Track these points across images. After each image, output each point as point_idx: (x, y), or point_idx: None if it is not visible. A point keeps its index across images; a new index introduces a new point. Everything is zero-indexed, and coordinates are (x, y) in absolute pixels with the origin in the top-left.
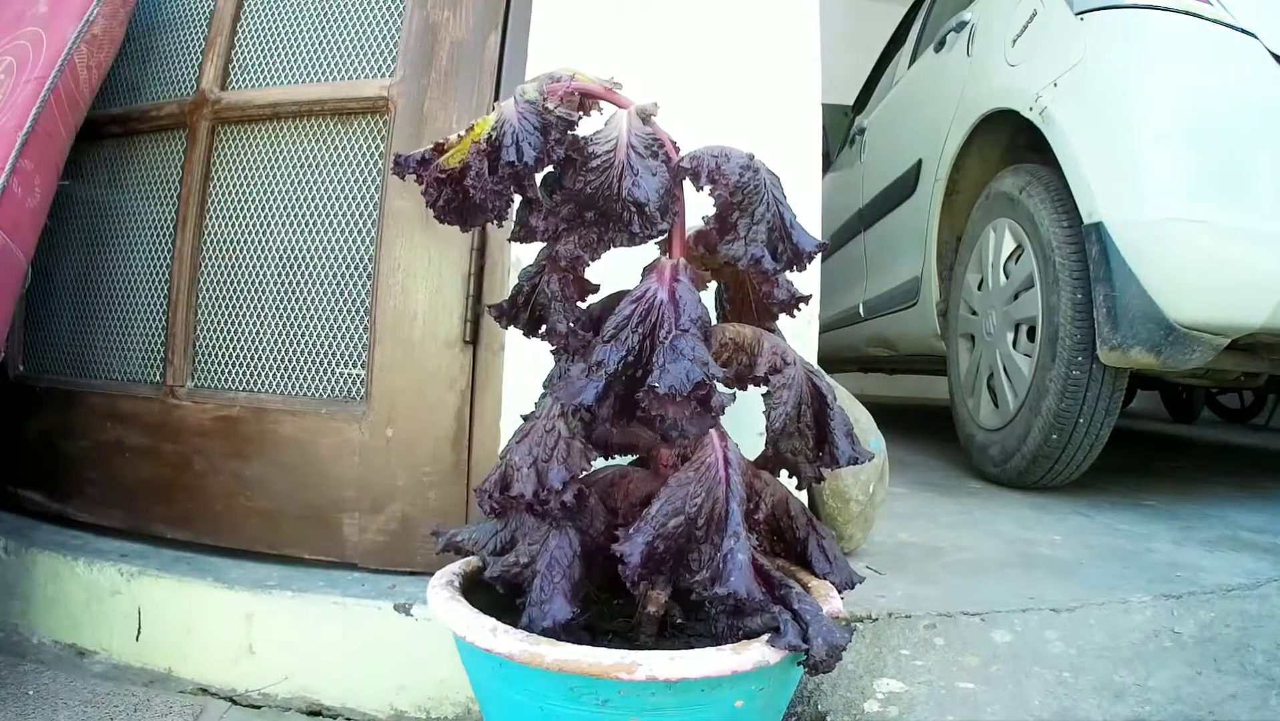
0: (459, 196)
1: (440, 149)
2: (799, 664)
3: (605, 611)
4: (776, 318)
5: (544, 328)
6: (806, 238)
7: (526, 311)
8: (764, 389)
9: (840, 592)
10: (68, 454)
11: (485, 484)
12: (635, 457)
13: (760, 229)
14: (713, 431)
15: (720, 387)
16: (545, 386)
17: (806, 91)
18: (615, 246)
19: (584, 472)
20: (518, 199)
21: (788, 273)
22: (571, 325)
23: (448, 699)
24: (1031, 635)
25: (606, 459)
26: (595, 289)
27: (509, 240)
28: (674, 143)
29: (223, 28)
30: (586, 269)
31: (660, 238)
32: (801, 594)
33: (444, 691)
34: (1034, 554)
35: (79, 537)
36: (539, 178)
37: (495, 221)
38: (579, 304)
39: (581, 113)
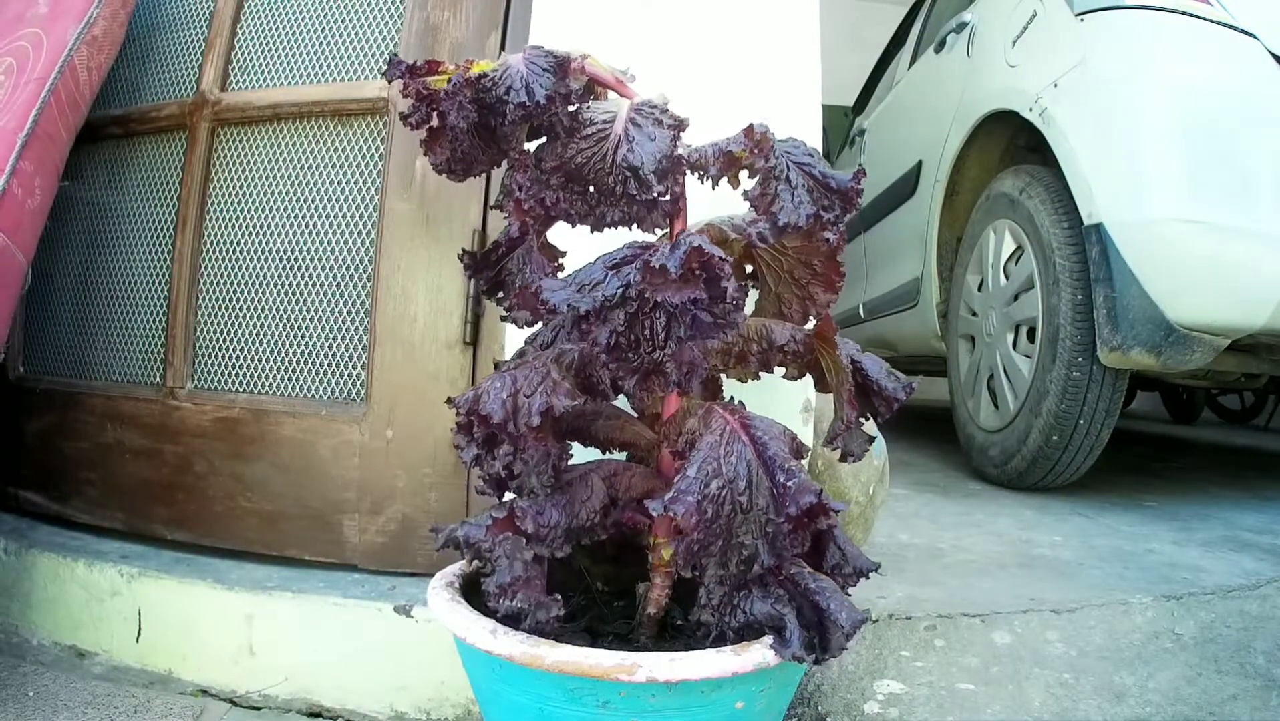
0: (431, 116)
1: (433, 67)
2: (809, 661)
3: (605, 613)
4: (827, 275)
5: (500, 294)
6: (842, 178)
7: (494, 271)
8: (780, 372)
9: (855, 582)
10: (68, 455)
11: (458, 400)
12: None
13: (801, 193)
14: (718, 408)
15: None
16: (527, 342)
17: (807, 93)
18: (607, 224)
19: (565, 410)
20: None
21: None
22: (537, 284)
23: (448, 700)
24: (1032, 636)
25: (604, 453)
26: (563, 254)
27: (491, 208)
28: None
29: (223, 29)
30: (553, 224)
31: (660, 229)
32: (813, 574)
33: (444, 692)
34: (1034, 555)
35: (79, 539)
36: (530, 147)
37: (459, 152)
38: (550, 267)
39: (590, 96)
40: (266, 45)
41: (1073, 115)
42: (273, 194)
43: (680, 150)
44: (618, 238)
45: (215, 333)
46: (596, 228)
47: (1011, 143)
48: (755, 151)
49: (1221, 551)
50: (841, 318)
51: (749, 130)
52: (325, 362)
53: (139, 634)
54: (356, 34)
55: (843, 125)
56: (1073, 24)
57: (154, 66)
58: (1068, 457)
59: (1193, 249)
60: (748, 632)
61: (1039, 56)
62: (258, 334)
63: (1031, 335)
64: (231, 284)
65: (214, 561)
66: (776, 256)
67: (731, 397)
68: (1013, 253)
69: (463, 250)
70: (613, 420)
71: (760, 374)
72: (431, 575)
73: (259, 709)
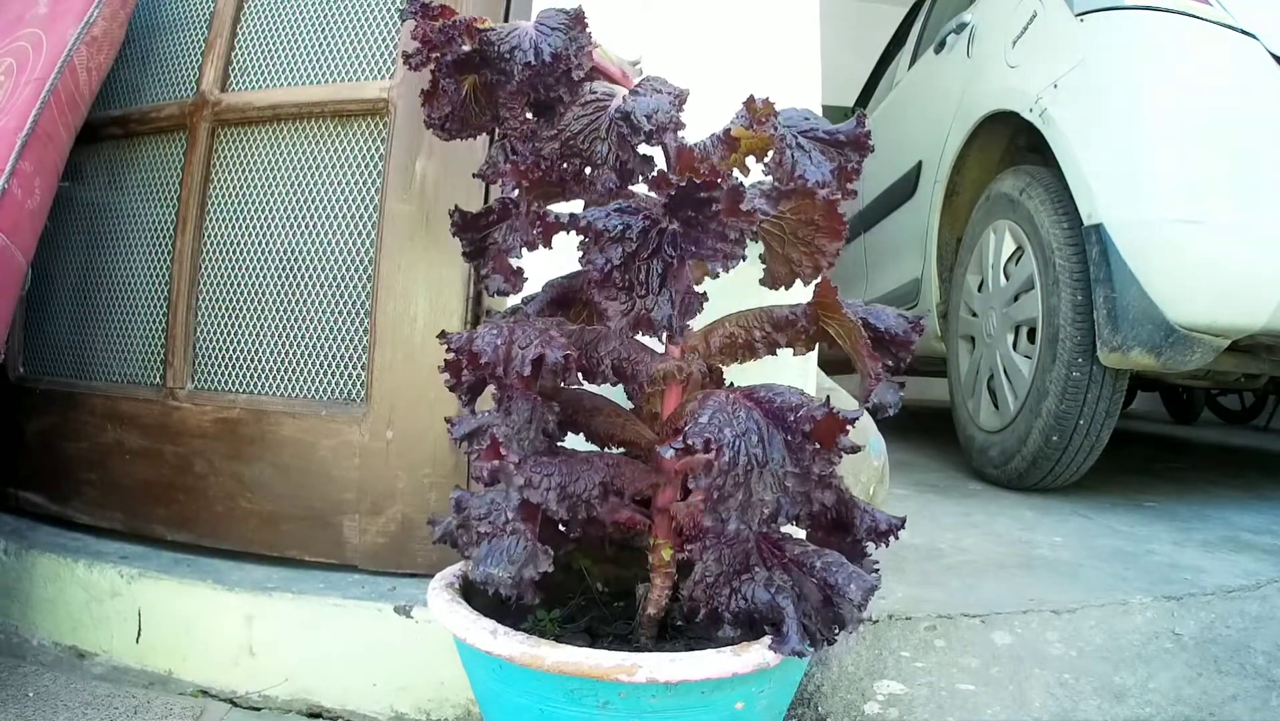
0: (432, 59)
1: (447, 13)
2: (824, 645)
3: (606, 614)
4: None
5: (480, 260)
6: (846, 128)
7: (480, 235)
8: (789, 353)
9: (887, 540)
10: (68, 455)
11: (451, 336)
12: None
13: (815, 153)
14: (718, 390)
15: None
16: (524, 301)
17: (808, 94)
18: (600, 186)
19: (558, 363)
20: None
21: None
22: (519, 247)
23: (448, 700)
24: (1032, 636)
25: (603, 449)
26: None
27: (473, 176)
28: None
29: (222, 29)
30: (549, 201)
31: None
32: (818, 550)
33: (444, 693)
34: (1034, 555)
35: (79, 539)
36: (531, 116)
37: (453, 106)
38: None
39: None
40: (266, 46)
41: (1073, 115)
42: (273, 194)
43: (680, 114)
44: None
45: (215, 333)
46: (590, 201)
47: (1011, 143)
48: (758, 123)
49: (1221, 551)
50: None
51: (749, 102)
52: (325, 363)
53: (139, 634)
54: (356, 34)
55: None
56: (1073, 24)
57: (154, 67)
58: (1068, 458)
59: (1192, 249)
60: (744, 619)
61: (1039, 57)
62: (258, 334)
63: (1031, 335)
64: (231, 284)
65: (214, 562)
66: (778, 223)
67: (731, 384)
68: (1013, 253)
69: (455, 206)
70: (614, 418)
71: (766, 357)
72: (431, 576)
73: (259, 709)
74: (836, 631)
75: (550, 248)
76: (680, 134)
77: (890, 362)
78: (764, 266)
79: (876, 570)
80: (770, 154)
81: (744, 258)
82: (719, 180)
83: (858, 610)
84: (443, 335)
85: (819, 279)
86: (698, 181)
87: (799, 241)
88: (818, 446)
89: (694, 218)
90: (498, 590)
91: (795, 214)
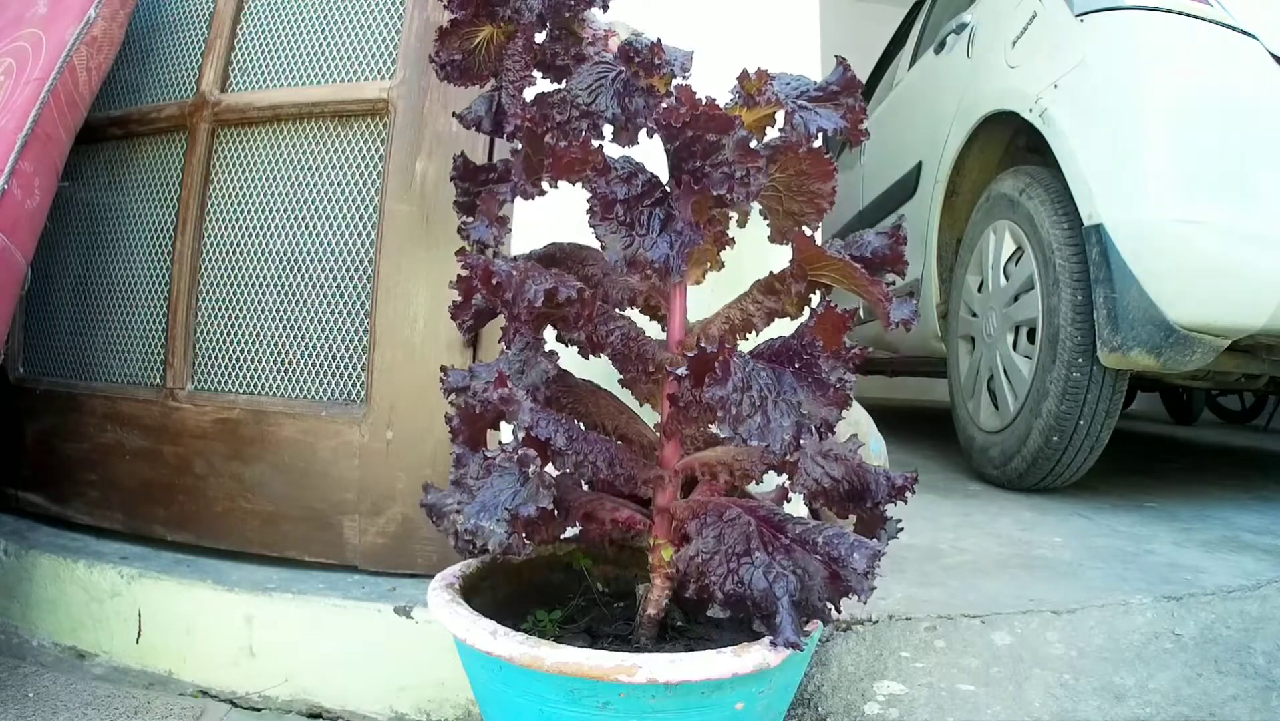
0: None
1: None
2: (831, 620)
3: (606, 615)
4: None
5: (469, 217)
6: (833, 77)
7: (477, 187)
8: (795, 322)
9: (904, 496)
10: (68, 456)
11: (470, 256)
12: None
13: (817, 107)
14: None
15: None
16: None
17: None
18: (604, 119)
19: (568, 298)
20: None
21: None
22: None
23: (448, 701)
24: (1032, 637)
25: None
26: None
27: (454, 116)
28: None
29: (222, 29)
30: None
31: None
32: (820, 526)
33: (444, 693)
34: (1034, 555)
35: (79, 540)
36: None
37: (461, 51)
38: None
39: None
40: (266, 46)
41: (1072, 116)
42: (273, 195)
43: (688, 63)
44: None
45: (215, 333)
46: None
47: (1011, 143)
48: (757, 93)
49: (1221, 552)
50: None
51: (742, 76)
52: (325, 363)
53: (139, 635)
54: (356, 34)
55: None
56: (1072, 25)
57: (154, 67)
58: (1068, 458)
59: (1193, 250)
60: (736, 603)
61: (1039, 57)
62: (258, 335)
63: (1031, 336)
64: (231, 285)
65: (214, 562)
66: (771, 184)
67: None
68: (1013, 253)
69: (461, 152)
70: (618, 413)
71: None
72: (432, 576)
73: (259, 710)
74: (852, 598)
75: (556, 187)
76: (687, 77)
77: (888, 281)
78: (768, 224)
79: (901, 528)
80: (777, 122)
81: (755, 194)
82: (732, 121)
83: (865, 579)
84: (460, 252)
85: (815, 228)
86: (712, 115)
87: (796, 193)
88: (826, 348)
89: (699, 168)
90: (485, 544)
91: (784, 170)
